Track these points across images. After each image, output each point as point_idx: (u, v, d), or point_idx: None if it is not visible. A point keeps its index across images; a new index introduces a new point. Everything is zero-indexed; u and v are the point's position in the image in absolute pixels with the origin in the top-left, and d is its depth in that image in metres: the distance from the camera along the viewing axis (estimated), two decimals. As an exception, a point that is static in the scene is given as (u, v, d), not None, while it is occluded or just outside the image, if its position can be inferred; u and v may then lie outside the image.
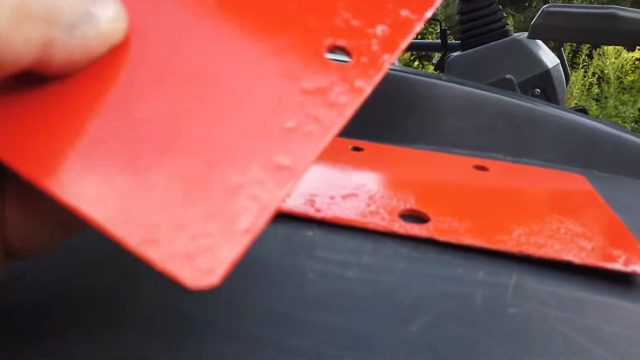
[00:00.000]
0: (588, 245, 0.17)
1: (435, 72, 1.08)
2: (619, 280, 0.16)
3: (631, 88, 4.83)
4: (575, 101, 3.69)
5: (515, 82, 0.93)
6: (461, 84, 0.26)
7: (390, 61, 0.13)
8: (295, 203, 0.18)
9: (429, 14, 0.14)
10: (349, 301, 0.14)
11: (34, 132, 0.10)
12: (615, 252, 0.17)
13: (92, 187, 0.09)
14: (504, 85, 0.95)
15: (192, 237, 0.09)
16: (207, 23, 0.12)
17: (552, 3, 0.49)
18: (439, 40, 1.06)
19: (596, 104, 4.24)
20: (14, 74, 0.09)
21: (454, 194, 0.20)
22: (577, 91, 3.73)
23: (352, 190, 0.20)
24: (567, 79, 0.98)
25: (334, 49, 0.13)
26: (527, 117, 0.25)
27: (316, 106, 0.11)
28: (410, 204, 0.19)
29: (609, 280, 0.16)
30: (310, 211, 0.18)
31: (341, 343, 0.12)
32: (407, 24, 0.14)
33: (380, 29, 0.13)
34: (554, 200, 0.20)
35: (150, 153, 0.10)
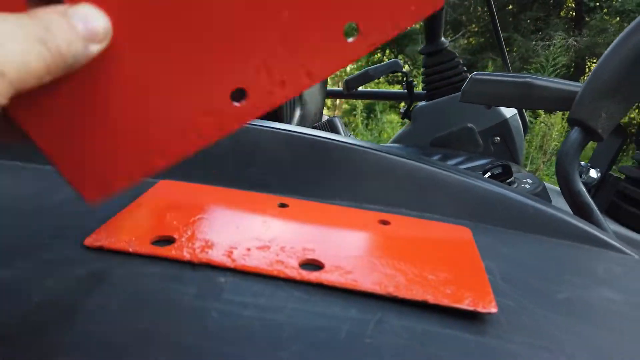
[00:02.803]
0: (447, 290, 0.21)
1: (402, 119, 1.15)
2: (468, 317, 0.21)
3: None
4: (555, 143, 3.81)
5: (476, 131, 1.00)
6: (375, 149, 0.31)
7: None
8: (216, 254, 0.22)
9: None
10: (241, 334, 0.18)
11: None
12: (466, 295, 0.21)
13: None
14: (466, 134, 1.01)
15: None
16: None
17: (480, 71, 0.55)
18: (406, 91, 1.14)
19: (574, 146, 4.31)
20: None
21: (354, 246, 0.25)
22: (557, 133, 3.85)
23: (267, 242, 0.24)
24: (526, 128, 1.05)
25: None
26: (430, 179, 0.30)
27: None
28: (312, 254, 0.23)
29: (460, 317, 0.21)
30: (226, 261, 0.22)
31: (226, 365, 0.16)
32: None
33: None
34: (437, 251, 0.25)
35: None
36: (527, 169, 4.10)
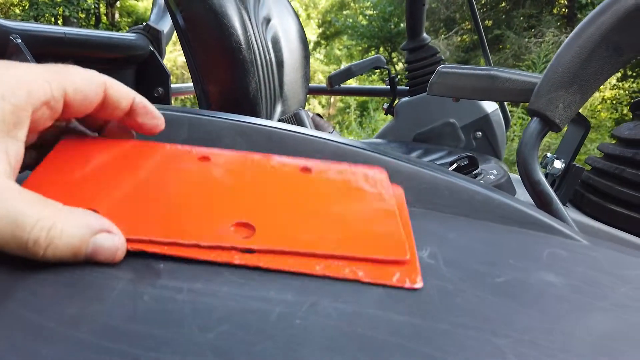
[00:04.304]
0: (374, 265, 0.22)
1: (385, 115, 1.16)
2: (402, 299, 0.21)
3: (599, 127, 5.00)
4: (546, 139, 3.85)
5: (458, 126, 1.01)
6: (329, 139, 0.31)
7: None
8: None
9: None
10: (169, 317, 0.18)
11: None
12: (395, 270, 0.22)
13: None
14: (448, 129, 1.02)
15: None
16: None
17: (448, 64, 0.56)
18: (389, 87, 1.14)
19: (565, 142, 4.38)
20: None
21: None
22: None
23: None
24: (508, 123, 1.06)
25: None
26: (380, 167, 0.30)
27: None
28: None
29: (393, 300, 0.21)
30: (160, 243, 0.22)
31: (150, 346, 0.16)
32: None
33: None
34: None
35: None
36: (519, 165, 4.13)
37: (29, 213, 0.19)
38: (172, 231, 0.22)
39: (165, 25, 1.06)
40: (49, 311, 0.18)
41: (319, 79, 11.61)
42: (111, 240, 0.21)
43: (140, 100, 0.27)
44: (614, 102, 6.75)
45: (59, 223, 0.20)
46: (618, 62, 0.37)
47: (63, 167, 0.25)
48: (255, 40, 0.73)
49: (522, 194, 0.68)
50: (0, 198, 0.19)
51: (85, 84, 0.24)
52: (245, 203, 0.25)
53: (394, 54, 9.61)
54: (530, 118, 0.41)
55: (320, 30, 12.07)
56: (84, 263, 0.21)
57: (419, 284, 0.21)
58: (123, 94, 0.26)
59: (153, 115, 0.27)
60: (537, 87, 0.39)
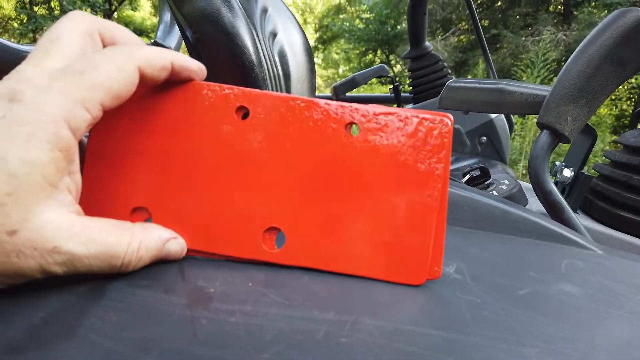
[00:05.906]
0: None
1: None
2: (436, 315, 0.23)
3: (599, 123, 4.99)
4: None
5: (463, 131, 1.02)
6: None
7: None
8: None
9: None
10: (227, 339, 0.20)
11: None
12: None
13: None
14: (453, 135, 1.04)
15: None
16: None
17: (456, 78, 0.58)
18: (393, 95, 1.16)
19: (566, 139, 4.39)
20: None
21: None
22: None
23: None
24: (511, 127, 1.08)
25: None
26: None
27: None
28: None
29: (428, 315, 0.23)
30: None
31: (214, 367, 0.18)
32: None
33: None
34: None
35: None
36: (522, 164, 4.13)
37: (119, 243, 0.22)
38: (209, 241, 0.26)
39: (173, 41, 1.08)
40: (117, 336, 0.19)
41: (318, 83, 11.67)
42: (178, 244, 0.25)
43: (180, 63, 0.25)
44: (613, 98, 6.77)
45: (142, 243, 0.23)
46: (622, 75, 0.39)
47: (103, 166, 0.26)
48: (264, 56, 0.75)
49: (534, 202, 0.70)
50: (88, 238, 0.21)
51: (117, 84, 0.21)
52: (278, 198, 0.26)
53: (391, 57, 9.65)
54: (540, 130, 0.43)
55: (318, 34, 12.13)
56: (141, 289, 0.23)
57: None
58: (159, 67, 0.24)
59: (192, 72, 0.26)
60: (545, 101, 0.41)
